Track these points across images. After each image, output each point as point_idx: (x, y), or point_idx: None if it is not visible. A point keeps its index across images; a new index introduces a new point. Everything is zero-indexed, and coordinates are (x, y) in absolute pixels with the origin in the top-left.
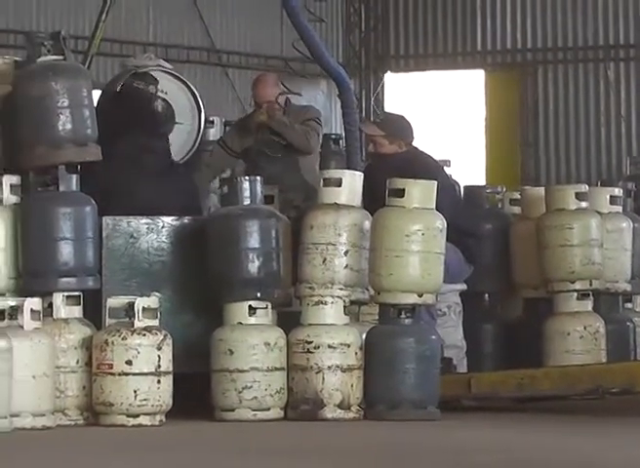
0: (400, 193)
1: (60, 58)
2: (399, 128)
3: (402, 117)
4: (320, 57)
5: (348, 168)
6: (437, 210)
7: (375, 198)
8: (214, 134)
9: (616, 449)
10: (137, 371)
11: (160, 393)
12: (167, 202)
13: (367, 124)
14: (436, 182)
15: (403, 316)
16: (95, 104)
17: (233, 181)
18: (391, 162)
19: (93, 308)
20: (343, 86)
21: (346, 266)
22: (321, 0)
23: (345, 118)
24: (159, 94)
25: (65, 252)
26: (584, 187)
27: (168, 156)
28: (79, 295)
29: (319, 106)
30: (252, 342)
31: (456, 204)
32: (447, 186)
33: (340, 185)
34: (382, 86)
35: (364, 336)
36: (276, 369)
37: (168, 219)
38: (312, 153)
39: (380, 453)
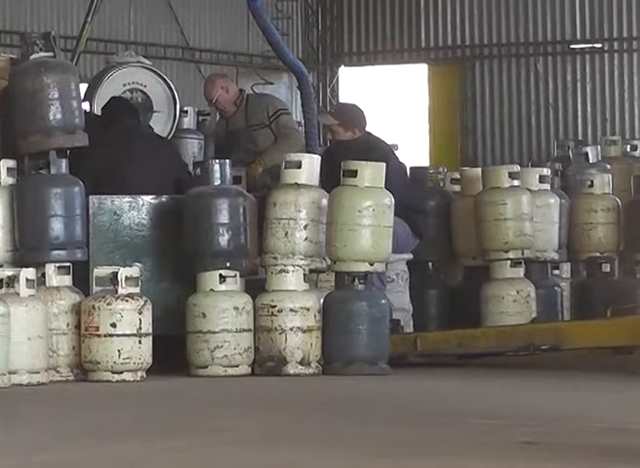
0: (353, 174)
1: (51, 55)
2: (352, 116)
3: (354, 105)
4: (281, 53)
5: (307, 152)
6: (389, 188)
7: (334, 179)
8: (187, 122)
9: (543, 399)
10: (120, 333)
11: (141, 352)
12: (154, 181)
13: (323, 115)
14: (385, 164)
15: (356, 282)
16: (82, 96)
17: (205, 164)
18: (348, 147)
19: (81, 277)
20: (302, 79)
21: (306, 239)
22: (294, 0)
23: (304, 107)
24: (139, 87)
25: (56, 227)
26: (516, 168)
27: (153, 138)
28: (69, 266)
29: (281, 97)
30: (222, 307)
31: (405, 183)
32: (397, 168)
33: (299, 167)
34: (337, 79)
35: (322, 301)
36: (244, 330)
37: (147, 198)
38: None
39: (338, 404)
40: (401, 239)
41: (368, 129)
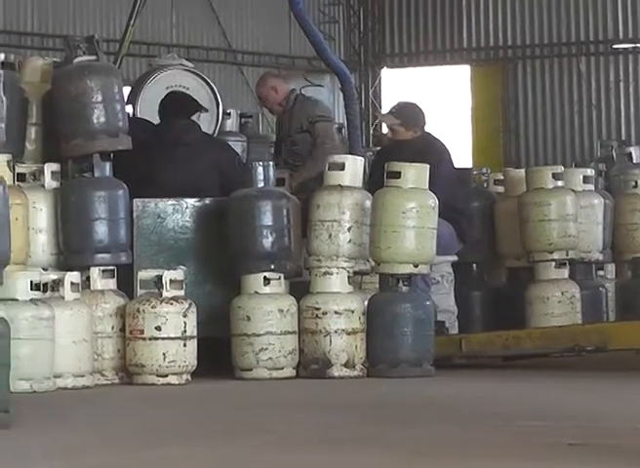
0: (397, 175)
1: (94, 58)
2: (413, 115)
3: (415, 105)
4: (324, 54)
5: (351, 153)
6: (436, 189)
7: None
8: (230, 124)
9: (589, 401)
10: (165, 336)
11: (186, 355)
12: (193, 185)
13: (384, 114)
14: (435, 165)
15: (401, 284)
16: (125, 100)
17: (249, 166)
18: (408, 147)
19: (125, 280)
20: (345, 80)
21: (350, 241)
22: (336, 4)
23: (347, 109)
24: (182, 89)
25: (100, 230)
26: (560, 168)
27: (200, 140)
28: (113, 269)
29: (323, 98)
30: (267, 309)
31: (453, 186)
32: (448, 170)
33: (343, 169)
34: (380, 80)
35: (366, 303)
36: (289, 332)
37: (191, 201)
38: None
39: (382, 406)
40: (445, 241)
41: (427, 129)
